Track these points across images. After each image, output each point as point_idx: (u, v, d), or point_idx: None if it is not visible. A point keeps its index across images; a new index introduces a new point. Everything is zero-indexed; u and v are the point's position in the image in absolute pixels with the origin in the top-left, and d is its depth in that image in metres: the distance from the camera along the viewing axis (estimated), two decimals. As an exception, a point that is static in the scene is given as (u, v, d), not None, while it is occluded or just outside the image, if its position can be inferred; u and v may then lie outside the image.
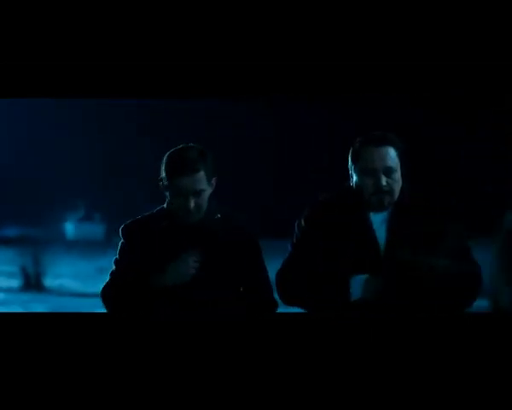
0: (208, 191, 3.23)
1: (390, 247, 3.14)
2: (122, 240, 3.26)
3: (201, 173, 3.18)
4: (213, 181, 3.26)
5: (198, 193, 3.17)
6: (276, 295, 3.33)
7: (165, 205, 3.28)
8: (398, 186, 3.17)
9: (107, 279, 3.25)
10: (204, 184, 3.19)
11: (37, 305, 11.74)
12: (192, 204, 3.17)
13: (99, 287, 3.22)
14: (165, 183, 3.22)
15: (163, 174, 3.23)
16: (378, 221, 3.18)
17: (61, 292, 13.82)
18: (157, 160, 3.32)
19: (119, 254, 3.27)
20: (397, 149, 3.17)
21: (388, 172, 3.14)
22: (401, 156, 3.19)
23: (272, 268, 3.33)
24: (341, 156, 3.37)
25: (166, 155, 3.23)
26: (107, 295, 3.21)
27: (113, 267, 3.26)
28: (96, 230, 22.98)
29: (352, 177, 3.22)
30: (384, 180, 3.13)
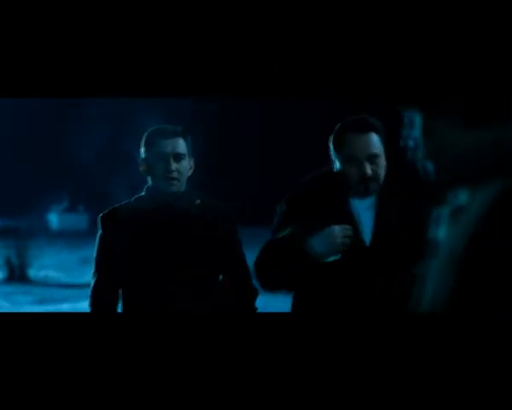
0: (187, 164, 3.25)
1: (378, 231, 3.07)
2: (100, 231, 3.24)
3: (181, 140, 3.23)
4: (192, 163, 3.29)
5: (178, 157, 3.20)
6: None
7: (143, 192, 3.28)
8: (383, 171, 3.09)
9: (91, 283, 3.26)
10: (183, 149, 3.23)
11: (22, 297, 11.73)
12: (173, 167, 3.18)
13: (83, 278, 3.27)
14: (145, 155, 3.24)
15: (142, 150, 3.26)
16: (364, 206, 3.10)
17: (45, 283, 13.79)
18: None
19: (98, 249, 3.24)
20: (380, 133, 3.09)
21: (373, 158, 3.06)
22: (385, 140, 3.10)
23: (251, 256, 3.35)
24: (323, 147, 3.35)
25: (145, 132, 3.29)
26: (90, 303, 3.25)
27: (93, 268, 3.25)
28: (79, 220, 22.92)
29: (335, 163, 3.13)
30: (369, 168, 3.04)
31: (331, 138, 3.13)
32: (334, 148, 3.12)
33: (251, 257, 3.37)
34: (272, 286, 3.15)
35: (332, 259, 3.03)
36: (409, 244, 3.03)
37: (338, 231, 3.01)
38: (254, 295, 3.32)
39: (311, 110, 15.45)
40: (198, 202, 3.25)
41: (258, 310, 3.38)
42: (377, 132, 3.09)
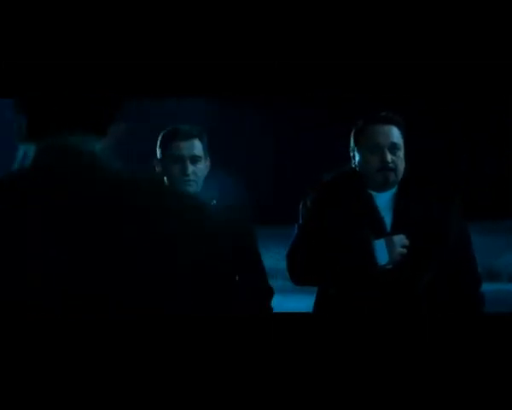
0: (204, 165, 3.25)
1: (395, 229, 3.12)
2: None
3: (197, 141, 3.23)
4: (208, 162, 3.28)
5: (195, 159, 3.20)
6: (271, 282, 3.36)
7: None
8: (402, 166, 3.15)
9: None
10: (200, 151, 3.22)
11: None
12: (189, 170, 3.17)
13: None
14: (160, 156, 3.24)
15: (158, 151, 3.27)
16: (382, 202, 3.16)
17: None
18: (149, 148, 3.36)
19: None
20: (400, 128, 3.17)
21: (393, 148, 3.12)
22: (404, 137, 3.19)
23: (266, 256, 3.34)
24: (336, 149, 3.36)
25: (161, 133, 3.29)
26: None
27: None
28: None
29: (355, 157, 3.19)
30: (389, 157, 3.11)
31: (353, 132, 3.20)
32: (355, 140, 3.19)
33: (266, 257, 3.38)
34: (303, 280, 3.20)
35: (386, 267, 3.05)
36: (427, 239, 3.06)
37: (397, 240, 3.05)
38: (270, 295, 3.32)
39: (322, 110, 15.45)
40: (214, 202, 3.24)
41: (274, 310, 3.40)
42: (398, 127, 3.17)
